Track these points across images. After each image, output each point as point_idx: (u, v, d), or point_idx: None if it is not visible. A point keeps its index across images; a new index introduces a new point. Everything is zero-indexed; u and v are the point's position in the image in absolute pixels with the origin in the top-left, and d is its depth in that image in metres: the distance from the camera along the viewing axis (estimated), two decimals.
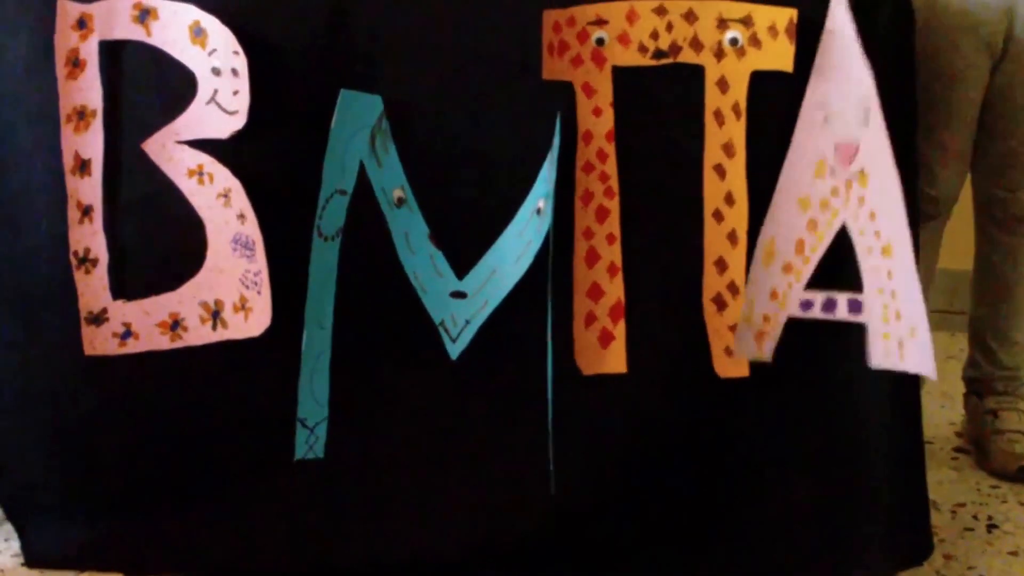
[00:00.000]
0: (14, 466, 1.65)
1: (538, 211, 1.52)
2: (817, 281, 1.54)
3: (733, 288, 1.56)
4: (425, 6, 1.53)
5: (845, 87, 1.49)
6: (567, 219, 1.55)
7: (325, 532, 1.65)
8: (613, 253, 1.56)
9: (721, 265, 1.56)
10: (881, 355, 1.52)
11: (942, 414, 2.27)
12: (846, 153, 1.50)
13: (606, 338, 1.58)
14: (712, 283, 1.56)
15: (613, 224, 1.56)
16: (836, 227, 1.52)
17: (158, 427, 1.61)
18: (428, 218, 1.56)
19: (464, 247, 1.57)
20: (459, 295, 1.57)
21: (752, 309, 1.56)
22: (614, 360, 1.58)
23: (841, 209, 1.51)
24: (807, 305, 1.55)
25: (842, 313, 1.54)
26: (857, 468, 1.60)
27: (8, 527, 1.71)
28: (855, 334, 1.51)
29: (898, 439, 1.60)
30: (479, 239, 1.57)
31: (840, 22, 1.48)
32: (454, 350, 1.58)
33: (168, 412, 1.61)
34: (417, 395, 1.62)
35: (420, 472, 1.64)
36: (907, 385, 1.58)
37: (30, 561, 1.67)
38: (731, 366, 1.58)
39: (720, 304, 1.57)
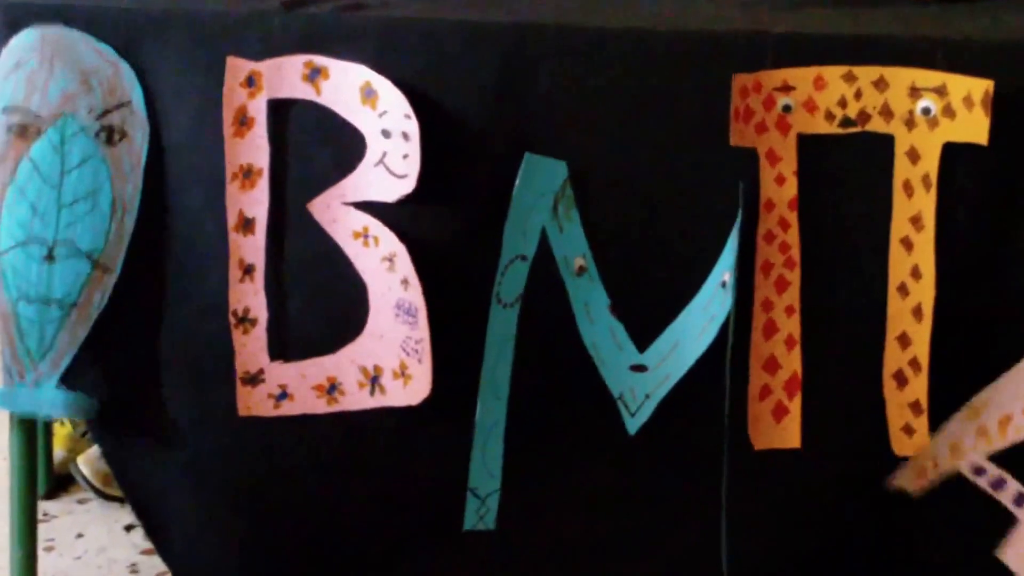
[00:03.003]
0: (182, 532, 1.64)
1: (723, 284, 1.48)
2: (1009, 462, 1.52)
3: (915, 365, 1.50)
4: (609, 75, 1.47)
5: None
6: (747, 289, 1.50)
7: None
8: (792, 325, 1.51)
9: (904, 341, 1.50)
10: (1014, 557, 1.52)
11: None
12: None
13: (780, 412, 1.53)
14: (894, 359, 1.50)
15: (793, 296, 1.50)
16: None
17: (324, 493, 1.59)
18: (609, 288, 1.51)
19: (645, 320, 1.52)
20: (639, 368, 1.53)
21: (929, 448, 1.52)
22: (788, 435, 1.53)
23: None
24: (979, 471, 1.52)
25: (1006, 498, 1.52)
26: None
27: None
28: None
29: None
30: (661, 312, 1.52)
31: None
32: (633, 425, 1.54)
33: (336, 477, 1.59)
34: (593, 470, 1.58)
35: (592, 549, 1.61)
36: None
37: None
38: (910, 445, 1.52)
39: (901, 381, 1.51)
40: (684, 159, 1.49)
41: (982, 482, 1.53)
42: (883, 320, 1.50)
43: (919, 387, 1.51)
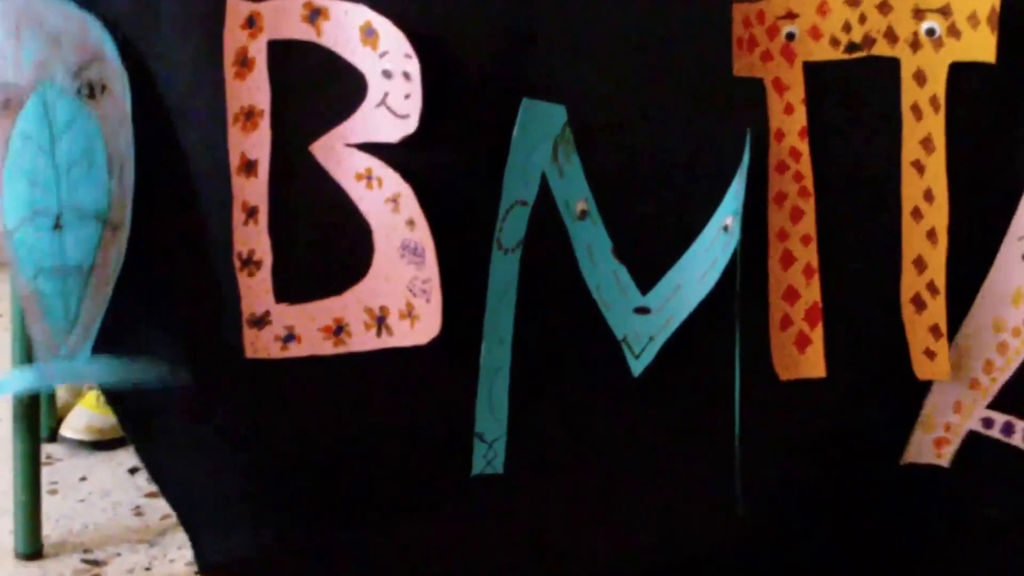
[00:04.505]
0: (187, 473, 1.62)
1: (725, 228, 1.47)
2: (1006, 404, 1.53)
3: (932, 288, 1.50)
4: (609, 12, 1.47)
5: None
6: (760, 221, 1.50)
7: (501, 549, 1.61)
8: (809, 254, 1.51)
9: (920, 264, 1.50)
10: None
11: None
12: None
13: (803, 342, 1.52)
14: (911, 283, 1.50)
15: (808, 225, 1.50)
16: None
17: (329, 435, 1.58)
18: (611, 231, 1.50)
19: (648, 262, 1.51)
20: (642, 311, 1.52)
21: (933, 415, 1.54)
22: (812, 364, 1.52)
23: None
24: (988, 423, 1.54)
25: (1018, 440, 1.53)
26: None
27: (182, 535, 1.69)
28: None
29: None
30: (664, 254, 1.51)
31: None
32: (637, 366, 1.53)
33: (339, 420, 1.57)
34: (598, 412, 1.57)
35: (600, 490, 1.60)
36: None
37: (203, 569, 1.65)
38: (931, 368, 1.52)
39: (919, 305, 1.51)
40: (686, 99, 1.49)
41: (995, 433, 1.54)
42: (899, 245, 1.50)
43: (937, 311, 1.51)
